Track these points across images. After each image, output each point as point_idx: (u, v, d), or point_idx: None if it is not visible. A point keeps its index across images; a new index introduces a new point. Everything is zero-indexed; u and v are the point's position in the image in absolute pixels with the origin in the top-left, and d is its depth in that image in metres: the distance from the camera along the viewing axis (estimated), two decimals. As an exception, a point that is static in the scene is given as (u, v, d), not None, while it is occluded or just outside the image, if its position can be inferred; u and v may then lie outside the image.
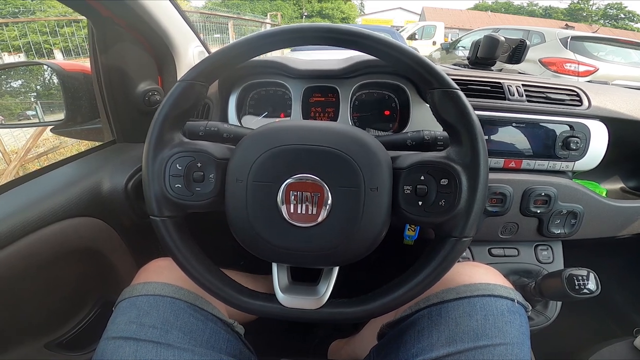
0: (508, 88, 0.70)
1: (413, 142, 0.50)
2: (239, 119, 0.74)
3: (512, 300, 0.45)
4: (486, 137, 0.69)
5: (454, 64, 0.92)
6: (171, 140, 0.41)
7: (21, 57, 5.47)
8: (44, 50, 5.50)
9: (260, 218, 0.38)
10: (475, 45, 0.76)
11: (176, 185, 0.39)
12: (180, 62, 0.75)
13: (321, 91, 0.74)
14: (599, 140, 0.71)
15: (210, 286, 0.41)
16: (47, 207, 0.53)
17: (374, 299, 0.40)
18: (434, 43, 10.61)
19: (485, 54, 0.74)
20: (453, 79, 0.73)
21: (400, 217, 0.39)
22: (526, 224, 0.74)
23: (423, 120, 0.71)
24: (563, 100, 0.71)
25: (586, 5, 31.81)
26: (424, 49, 10.78)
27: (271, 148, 0.38)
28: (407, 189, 0.38)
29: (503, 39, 0.72)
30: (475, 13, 29.79)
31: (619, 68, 3.60)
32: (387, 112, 0.74)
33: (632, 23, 31.02)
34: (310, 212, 0.37)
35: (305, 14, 23.38)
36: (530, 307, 0.51)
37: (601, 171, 0.85)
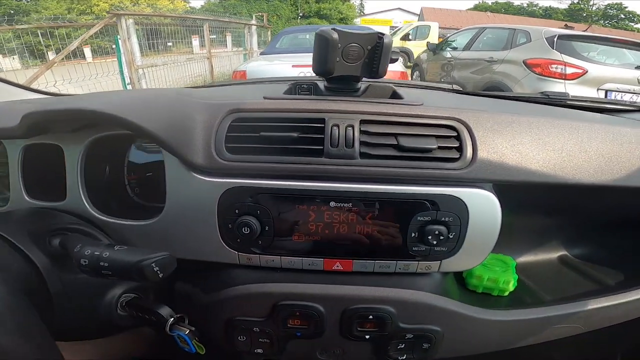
0: (331, 131, 0.43)
1: None
2: None
3: None
4: (299, 220, 0.45)
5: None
6: None
7: (15, 60, 5.35)
8: (37, 53, 5.36)
9: None
10: None
11: None
12: None
13: None
14: (483, 224, 0.45)
15: None
16: None
17: None
18: (428, 44, 10.31)
19: (318, 68, 0.47)
20: (247, 115, 0.47)
21: None
22: (354, 347, 0.52)
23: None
24: (427, 149, 0.43)
25: (586, 5, 31.53)
26: (418, 50, 10.48)
27: None
28: None
29: (336, 36, 0.43)
30: (474, 14, 29.55)
31: (611, 70, 3.30)
32: None
33: (633, 23, 30.70)
34: None
35: (301, 14, 23.17)
36: None
37: (530, 234, 0.58)
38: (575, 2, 32.02)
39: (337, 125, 0.43)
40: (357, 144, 0.43)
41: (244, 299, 0.48)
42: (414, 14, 32.54)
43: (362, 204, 0.44)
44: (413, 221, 0.44)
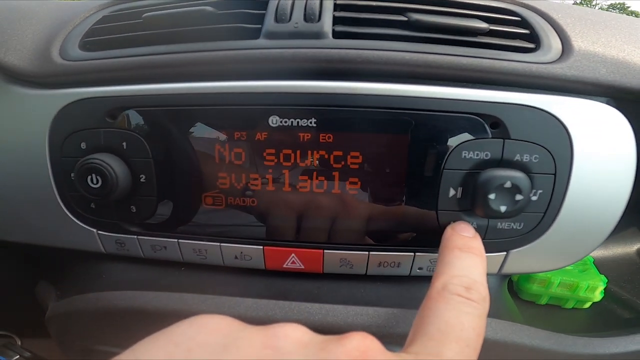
0: (279, 3, 0.24)
1: None
2: None
3: None
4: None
5: None
6: None
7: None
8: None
9: None
10: None
11: None
12: None
13: None
14: (603, 173, 0.21)
15: None
16: None
17: None
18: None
19: None
20: None
21: None
22: None
23: None
24: (469, 30, 0.23)
25: (589, 5, 31.55)
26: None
27: None
28: None
29: None
30: (475, 13, 29.67)
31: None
32: None
33: (636, 24, 30.85)
34: None
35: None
36: None
37: None
38: (578, 2, 32.10)
39: None
40: (327, 17, 0.23)
41: (98, 318, 0.27)
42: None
43: (337, 122, 0.22)
44: (451, 161, 0.21)
